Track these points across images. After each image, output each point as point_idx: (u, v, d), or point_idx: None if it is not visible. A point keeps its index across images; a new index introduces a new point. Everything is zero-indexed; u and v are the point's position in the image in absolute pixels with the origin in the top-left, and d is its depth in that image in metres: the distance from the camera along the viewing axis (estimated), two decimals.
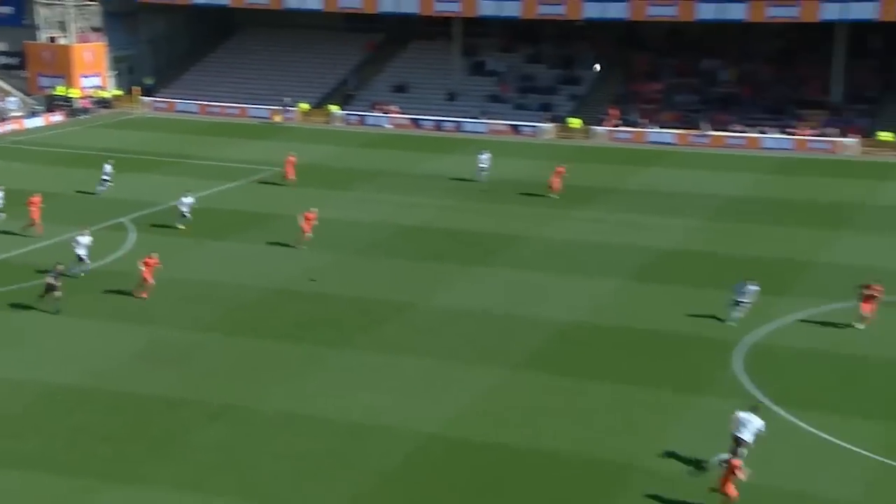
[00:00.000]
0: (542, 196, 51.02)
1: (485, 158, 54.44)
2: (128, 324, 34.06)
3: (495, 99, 73.55)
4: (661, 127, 66.91)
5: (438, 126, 71.08)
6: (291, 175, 53.69)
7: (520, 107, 72.13)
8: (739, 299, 33.56)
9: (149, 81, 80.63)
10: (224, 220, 45.63)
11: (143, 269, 36.01)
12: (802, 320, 34.28)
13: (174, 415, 27.69)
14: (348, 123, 73.41)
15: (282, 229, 44.88)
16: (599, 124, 68.15)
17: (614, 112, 69.00)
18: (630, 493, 23.98)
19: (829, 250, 42.17)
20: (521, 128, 69.15)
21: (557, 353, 32.09)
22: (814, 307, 35.38)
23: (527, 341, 32.90)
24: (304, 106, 75.01)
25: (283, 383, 29.89)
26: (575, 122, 68.53)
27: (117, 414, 27.66)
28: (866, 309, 33.22)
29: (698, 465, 24.88)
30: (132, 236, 44.08)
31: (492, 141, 66.20)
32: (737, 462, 22.67)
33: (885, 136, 61.13)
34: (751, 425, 24.51)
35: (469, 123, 70.45)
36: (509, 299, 36.80)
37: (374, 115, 73.36)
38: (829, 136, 62.67)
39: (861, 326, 33.11)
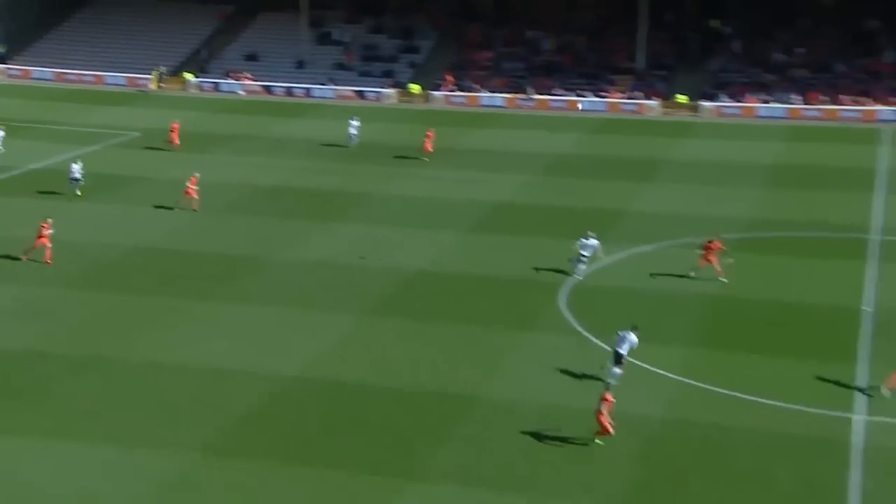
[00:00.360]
0: (388, 157, 51.41)
1: (355, 124, 53.81)
2: None
3: (341, 67, 73.20)
4: (492, 92, 68.03)
5: (289, 92, 70.32)
6: (175, 141, 52.34)
7: (364, 74, 72.08)
8: (582, 252, 33.85)
9: (0, 49, 76.53)
10: (86, 183, 44.26)
11: (40, 233, 34.54)
12: (616, 262, 35.87)
13: (41, 367, 27.16)
14: (203, 90, 71.76)
15: (144, 191, 43.95)
16: (437, 89, 68.80)
17: (450, 78, 69.75)
18: (474, 419, 24.95)
19: (638, 201, 44.03)
20: (365, 93, 69.15)
21: (405, 300, 32.75)
22: (626, 250, 37.03)
23: (377, 289, 33.44)
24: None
25: (147, 335, 29.62)
26: (415, 88, 68.98)
27: None
28: (703, 263, 33.36)
29: (536, 391, 26.01)
30: None
31: (339, 105, 66.03)
32: (608, 396, 23.34)
33: (681, 98, 63.98)
34: (628, 341, 26.33)
35: (318, 89, 69.97)
36: (360, 251, 37.19)
37: (227, 83, 71.92)
38: (636, 99, 65.08)
39: (693, 274, 33.59)
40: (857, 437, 23.80)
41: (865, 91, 62.49)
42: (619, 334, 26.58)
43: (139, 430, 24.14)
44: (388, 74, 71.61)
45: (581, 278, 33.79)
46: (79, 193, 43.02)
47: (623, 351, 26.32)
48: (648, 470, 22.53)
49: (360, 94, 69.08)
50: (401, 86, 69.85)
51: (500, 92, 67.90)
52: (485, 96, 67.53)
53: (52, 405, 25.20)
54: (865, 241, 37.82)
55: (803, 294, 32.51)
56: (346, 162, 50.86)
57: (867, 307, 31.45)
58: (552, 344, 29.18)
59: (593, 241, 33.96)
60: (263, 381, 26.80)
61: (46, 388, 26.04)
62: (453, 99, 67.91)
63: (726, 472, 22.41)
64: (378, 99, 68.66)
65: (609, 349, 27.25)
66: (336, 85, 70.13)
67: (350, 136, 53.45)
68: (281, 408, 25.56)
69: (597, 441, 23.27)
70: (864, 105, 60.96)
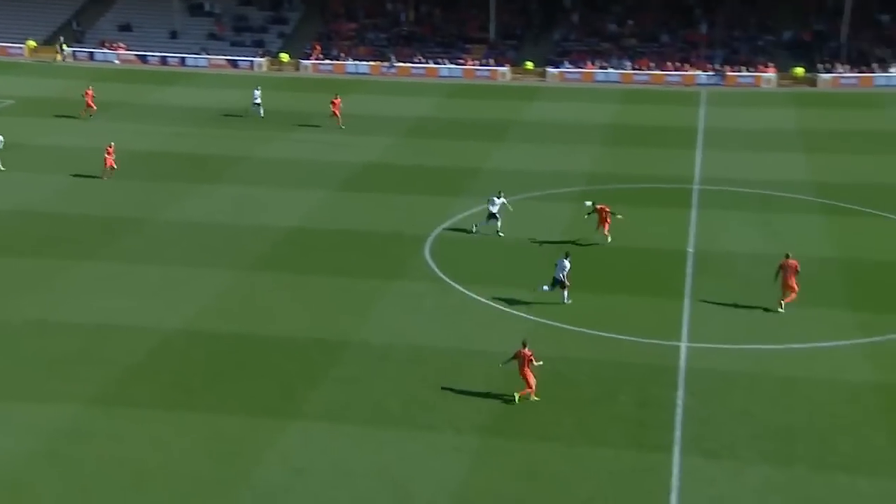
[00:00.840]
0: (261, 121, 50.07)
1: (258, 94, 51.07)
2: None
3: (213, 37, 70.63)
4: (357, 60, 67.01)
5: (164, 61, 67.46)
6: (91, 105, 49.85)
7: (235, 44, 69.77)
8: (492, 210, 33.38)
9: None
10: None
11: None
12: (473, 214, 36.05)
13: None
14: (77, 59, 68.06)
15: (20, 157, 41.48)
16: (306, 58, 67.28)
17: (317, 47, 68.30)
18: (348, 362, 24.78)
19: (492, 159, 44.28)
20: (238, 62, 67.02)
21: (279, 255, 32.13)
22: (482, 204, 37.20)
23: (253, 247, 32.67)
24: (32, 43, 68.70)
25: (30, 295, 28.19)
26: (284, 57, 67.25)
27: None
28: (603, 226, 32.56)
29: (404, 334, 26.01)
30: None
31: (212, 74, 63.84)
32: (528, 352, 22.55)
33: (528, 65, 64.54)
34: (562, 266, 27.81)
35: (191, 58, 67.37)
36: (235, 211, 36.23)
37: (102, 52, 68.42)
38: (489, 66, 65.30)
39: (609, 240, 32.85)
40: (683, 361, 24.75)
41: (686, 58, 64.43)
42: (559, 262, 27.93)
43: (27, 386, 23.03)
44: (258, 44, 69.58)
45: (503, 235, 33.40)
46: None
47: (561, 277, 27.75)
48: (506, 402, 22.85)
49: (233, 63, 66.94)
50: (271, 55, 68.03)
51: (365, 60, 66.96)
52: (350, 64, 66.48)
53: None
54: (689, 191, 39.15)
55: (637, 239, 33.44)
56: (220, 127, 49.28)
57: (690, 248, 32.61)
58: (418, 291, 29.18)
59: (501, 200, 33.82)
60: (147, 335, 25.91)
61: None
62: (321, 67, 66.59)
63: (575, 400, 22.96)
64: (251, 67, 66.70)
65: (468, 293, 27.33)
66: (209, 54, 67.72)
67: (254, 105, 50.93)
68: (165, 360, 24.79)
69: (533, 398, 22.55)
70: (685, 71, 62.88)
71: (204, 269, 30.56)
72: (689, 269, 30.85)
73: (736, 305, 27.94)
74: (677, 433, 21.37)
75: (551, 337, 26.11)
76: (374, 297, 28.74)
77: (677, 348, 25.48)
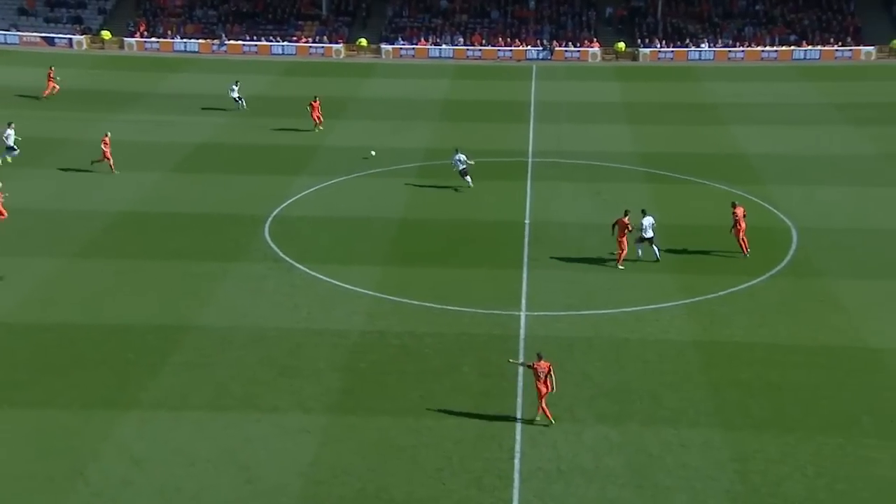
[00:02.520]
0: (84, 102, 47.47)
1: (236, 88, 48.05)
2: None
3: (24, 12, 66.26)
4: (186, 38, 64.58)
5: None
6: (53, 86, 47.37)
7: (50, 20, 65.76)
8: (460, 166, 35.36)
9: None
10: None
11: None
12: (312, 193, 35.57)
13: None
14: None
15: None
16: (130, 36, 64.23)
17: (142, 24, 65.34)
18: (188, 347, 23.99)
19: (329, 136, 43.71)
20: (54, 40, 63.20)
21: (109, 241, 30.71)
22: (321, 182, 36.84)
23: (80, 232, 31.07)
24: None
25: None
26: (106, 35, 63.96)
27: None
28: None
29: (246, 316, 25.38)
30: None
31: (26, 52, 59.94)
32: (546, 365, 20.64)
33: (362, 41, 64.00)
34: (649, 223, 29.08)
35: (0, 35, 63.00)
36: (59, 196, 34.28)
37: None
38: (322, 43, 64.43)
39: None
40: (523, 330, 25.38)
41: (517, 34, 65.75)
42: (641, 223, 28.94)
43: None
44: (76, 21, 65.83)
45: (471, 186, 35.44)
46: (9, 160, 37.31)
47: (648, 235, 28.98)
48: (352, 378, 22.78)
49: (49, 41, 63.11)
50: (92, 32, 64.52)
51: (194, 38, 64.62)
52: (178, 42, 64.02)
53: None
54: (524, 164, 40.05)
55: (475, 212, 33.94)
56: (41, 108, 46.45)
57: (527, 220, 33.40)
58: (259, 272, 28.57)
59: (462, 156, 35.74)
60: None
61: None
62: (147, 45, 63.78)
63: (421, 372, 23.13)
64: (69, 45, 63.06)
65: (310, 272, 26.99)
66: (21, 31, 63.54)
67: (236, 99, 47.69)
68: None
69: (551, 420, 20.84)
70: (515, 46, 64.14)
71: (26, 258, 28.82)
72: (526, 240, 31.59)
73: (571, 273, 28.86)
74: (519, 400, 21.90)
75: (396, 312, 26.15)
76: (214, 280, 27.93)
77: (518, 317, 26.07)
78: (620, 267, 28.90)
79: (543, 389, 20.60)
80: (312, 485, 18.89)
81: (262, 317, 25.68)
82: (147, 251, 29.87)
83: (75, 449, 19.73)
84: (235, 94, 48.06)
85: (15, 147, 37.91)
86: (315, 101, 44.09)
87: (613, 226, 29.09)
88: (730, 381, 22.87)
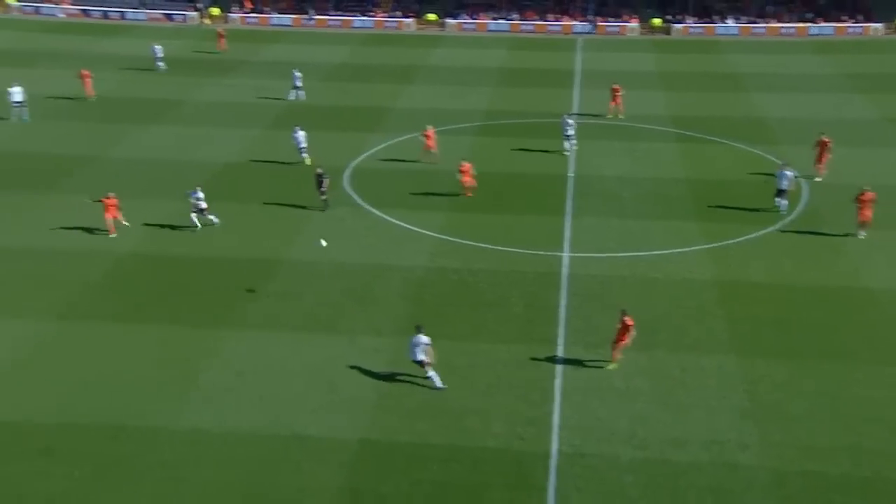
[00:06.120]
0: (194, 68, 47.55)
1: (299, 75, 41.89)
2: None
3: None
4: (280, 13, 64.11)
5: (105, 15, 63.23)
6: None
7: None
8: (566, 132, 33.74)
9: None
10: None
11: None
12: (385, 147, 35.26)
13: None
14: (25, 13, 63.19)
15: None
16: (234, 12, 63.99)
17: (248, 2, 65.05)
18: (280, 278, 24.14)
19: (400, 98, 43.22)
20: (173, 16, 63.33)
21: (221, 184, 30.89)
22: (393, 138, 36.50)
23: (196, 178, 31.26)
24: None
25: None
26: (215, 11, 63.81)
27: None
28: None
29: (329, 252, 25.42)
30: None
31: (150, 27, 60.19)
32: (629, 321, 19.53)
33: (430, 16, 62.82)
34: (784, 176, 27.49)
35: (130, 13, 63.34)
36: (179, 148, 34.55)
37: (48, 6, 63.62)
38: (396, 18, 63.33)
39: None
40: (566, 269, 24.95)
41: (565, 10, 63.79)
42: (776, 173, 27.96)
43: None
44: (190, 0, 65.79)
45: (572, 150, 33.81)
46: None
47: (784, 185, 27.64)
48: (417, 307, 22.71)
49: (168, 17, 63.26)
50: (202, 9, 64.50)
51: (287, 13, 64.10)
52: (274, 17, 63.58)
53: None
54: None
55: (526, 166, 33.29)
56: (159, 74, 46.67)
57: (571, 173, 32.67)
58: (339, 215, 28.53)
59: (571, 120, 34.11)
60: (100, 258, 24.71)
61: None
62: (248, 19, 63.48)
63: (475, 303, 22.94)
64: (184, 21, 63.16)
65: (382, 215, 26.80)
66: (147, 9, 63.80)
67: (295, 89, 41.72)
68: (118, 278, 23.70)
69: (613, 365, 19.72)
70: (563, 21, 62.27)
71: (150, 200, 29.18)
72: (569, 191, 30.94)
73: (609, 220, 28.20)
74: (561, 328, 21.61)
75: (455, 252, 25.93)
76: (301, 220, 27.97)
77: (560, 258, 25.63)
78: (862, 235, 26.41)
79: (623, 338, 19.51)
80: (383, 396, 18.97)
81: (341, 253, 25.68)
82: (248, 196, 29.99)
83: (188, 360, 20.10)
84: (298, 83, 41.74)
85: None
86: (428, 131, 33.44)
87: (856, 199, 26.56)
88: (744, 315, 22.25)
